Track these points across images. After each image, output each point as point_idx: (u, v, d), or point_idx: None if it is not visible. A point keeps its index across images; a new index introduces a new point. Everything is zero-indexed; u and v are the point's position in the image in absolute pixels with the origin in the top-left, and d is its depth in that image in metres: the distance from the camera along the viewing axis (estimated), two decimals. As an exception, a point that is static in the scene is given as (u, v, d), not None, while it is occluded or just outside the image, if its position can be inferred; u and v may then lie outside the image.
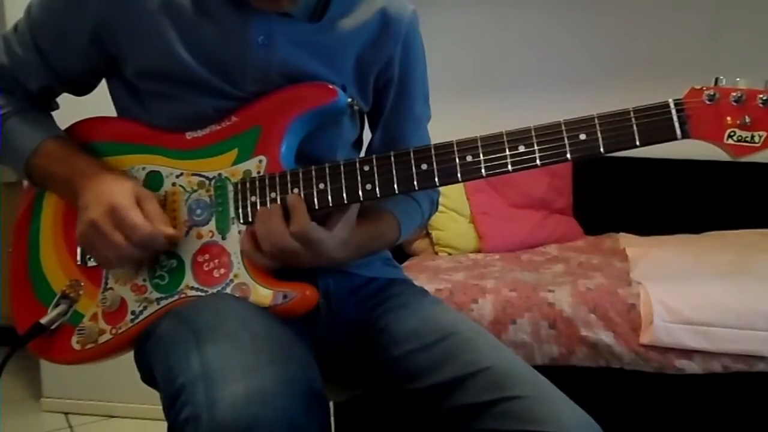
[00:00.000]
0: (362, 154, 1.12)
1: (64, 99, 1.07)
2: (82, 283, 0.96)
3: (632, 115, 0.80)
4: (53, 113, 1.07)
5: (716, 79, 0.78)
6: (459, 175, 0.85)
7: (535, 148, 0.82)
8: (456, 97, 2.67)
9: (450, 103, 2.36)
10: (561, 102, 2.68)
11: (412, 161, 0.87)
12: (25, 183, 1.03)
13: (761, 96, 0.76)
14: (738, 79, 0.77)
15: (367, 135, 1.12)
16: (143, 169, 0.96)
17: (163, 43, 0.92)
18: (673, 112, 0.78)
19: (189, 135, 0.95)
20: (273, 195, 0.89)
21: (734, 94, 0.77)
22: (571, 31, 2.81)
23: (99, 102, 1.07)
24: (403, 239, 1.09)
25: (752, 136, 0.76)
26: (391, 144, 1.09)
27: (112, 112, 1.03)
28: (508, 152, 0.83)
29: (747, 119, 0.76)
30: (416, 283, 1.13)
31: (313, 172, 0.89)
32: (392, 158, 0.87)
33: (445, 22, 2.78)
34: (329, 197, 0.88)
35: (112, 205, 0.87)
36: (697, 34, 2.70)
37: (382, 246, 1.06)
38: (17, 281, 1.01)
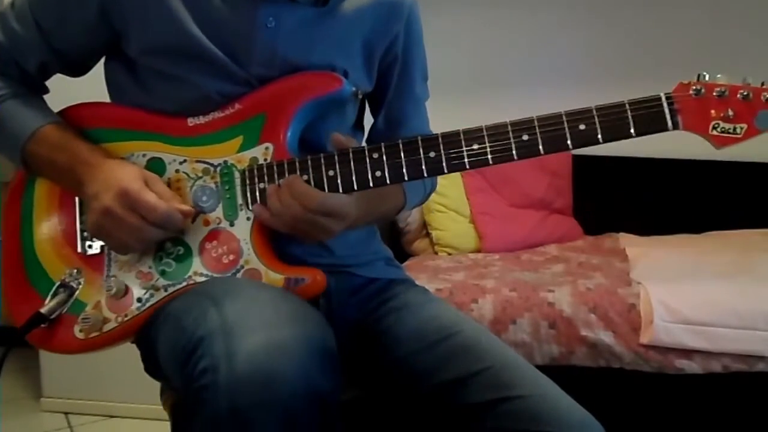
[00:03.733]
0: (365, 136, 1.13)
1: (53, 86, 1.05)
2: (83, 272, 0.95)
3: (627, 107, 0.84)
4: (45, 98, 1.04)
5: (699, 75, 0.84)
6: (467, 162, 0.87)
7: (538, 137, 0.85)
8: (455, 96, 2.67)
9: (449, 103, 2.36)
10: (560, 101, 2.68)
11: (421, 149, 0.88)
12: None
13: (742, 91, 0.82)
14: (719, 75, 0.83)
15: (367, 118, 1.13)
16: (143, 155, 0.95)
17: (171, 16, 0.91)
18: (665, 104, 0.83)
19: (191, 121, 0.95)
20: (282, 181, 0.90)
21: (717, 89, 0.83)
22: (569, 31, 2.81)
23: (89, 89, 1.06)
24: (408, 207, 1.10)
25: (734, 128, 0.82)
26: (393, 124, 1.10)
27: (100, 98, 1.01)
28: (512, 141, 0.86)
29: (730, 112, 0.82)
30: (416, 283, 1.13)
31: (323, 159, 0.89)
32: (401, 146, 0.88)
33: (444, 22, 2.78)
34: (339, 184, 0.89)
35: (123, 189, 0.86)
36: (696, 34, 2.71)
37: (390, 206, 1.07)
38: (9, 270, 0.98)
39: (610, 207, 2.68)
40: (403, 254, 2.52)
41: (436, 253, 2.47)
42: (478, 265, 2.22)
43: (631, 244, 2.38)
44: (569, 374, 1.75)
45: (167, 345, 0.82)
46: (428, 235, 2.51)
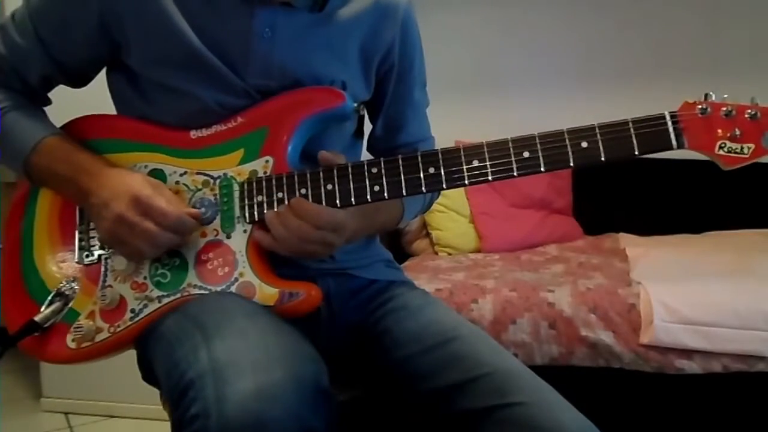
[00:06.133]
0: (364, 144, 1.13)
1: (56, 97, 1.05)
2: (79, 281, 0.95)
3: (631, 125, 0.83)
4: (46, 109, 1.05)
5: (706, 95, 0.83)
6: (466, 179, 0.86)
7: (540, 154, 0.84)
8: (455, 96, 2.67)
9: (450, 103, 2.36)
10: (561, 101, 2.70)
11: (420, 165, 0.88)
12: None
13: (749, 111, 0.81)
14: (725, 95, 0.82)
15: (366, 126, 1.12)
16: (145, 167, 0.95)
17: (170, 27, 0.91)
18: (669, 124, 0.82)
19: (193, 134, 0.95)
20: (280, 195, 0.90)
21: (724, 108, 0.82)
22: (570, 31, 2.81)
23: (92, 100, 1.06)
24: (407, 217, 1.09)
25: (741, 148, 0.81)
26: (392, 131, 1.10)
27: (105, 111, 1.02)
28: (513, 158, 0.85)
29: (737, 132, 0.81)
30: (416, 283, 1.13)
31: (321, 174, 0.89)
32: (400, 161, 0.88)
33: (444, 21, 2.78)
34: (337, 198, 0.88)
35: (134, 196, 0.87)
36: (697, 34, 2.71)
37: (387, 218, 1.07)
38: (8, 278, 0.99)
39: (610, 207, 2.68)
40: (403, 254, 2.52)
41: (436, 253, 2.47)
42: (478, 265, 2.22)
43: (631, 244, 2.38)
44: (569, 374, 1.75)
45: (162, 372, 0.82)
46: (428, 235, 2.52)
